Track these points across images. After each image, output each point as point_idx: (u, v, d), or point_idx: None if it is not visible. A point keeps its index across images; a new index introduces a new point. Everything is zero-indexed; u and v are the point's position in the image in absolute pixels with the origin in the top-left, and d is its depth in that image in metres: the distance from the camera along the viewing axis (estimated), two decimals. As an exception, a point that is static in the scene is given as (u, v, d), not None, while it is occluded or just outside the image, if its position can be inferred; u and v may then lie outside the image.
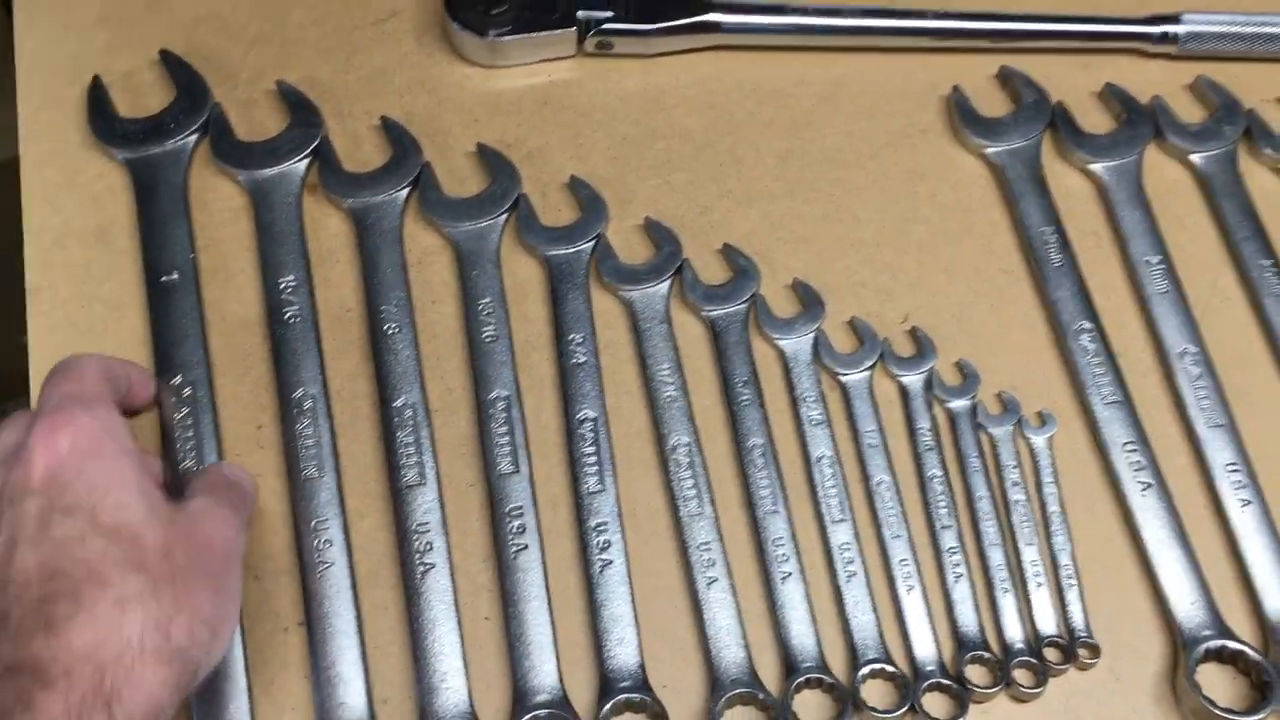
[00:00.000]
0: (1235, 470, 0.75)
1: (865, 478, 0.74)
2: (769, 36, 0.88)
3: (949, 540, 0.72)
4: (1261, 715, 0.67)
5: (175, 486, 0.69)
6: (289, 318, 0.76)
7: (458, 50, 0.88)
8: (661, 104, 0.87)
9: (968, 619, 0.70)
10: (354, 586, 0.69)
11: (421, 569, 0.69)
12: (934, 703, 0.68)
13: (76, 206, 0.81)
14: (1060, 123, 0.86)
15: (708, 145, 0.86)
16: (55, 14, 0.88)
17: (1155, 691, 0.70)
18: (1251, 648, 0.69)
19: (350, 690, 0.66)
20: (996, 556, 0.72)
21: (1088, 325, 0.79)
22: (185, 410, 0.73)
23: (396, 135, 0.83)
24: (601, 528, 0.71)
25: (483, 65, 0.87)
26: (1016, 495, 0.74)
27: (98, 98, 0.83)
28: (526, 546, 0.70)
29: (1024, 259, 0.82)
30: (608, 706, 0.66)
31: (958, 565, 0.72)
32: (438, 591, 0.69)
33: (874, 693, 0.68)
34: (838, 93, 0.88)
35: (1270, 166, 0.87)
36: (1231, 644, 0.69)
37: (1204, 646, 0.69)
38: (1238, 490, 0.74)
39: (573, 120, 0.86)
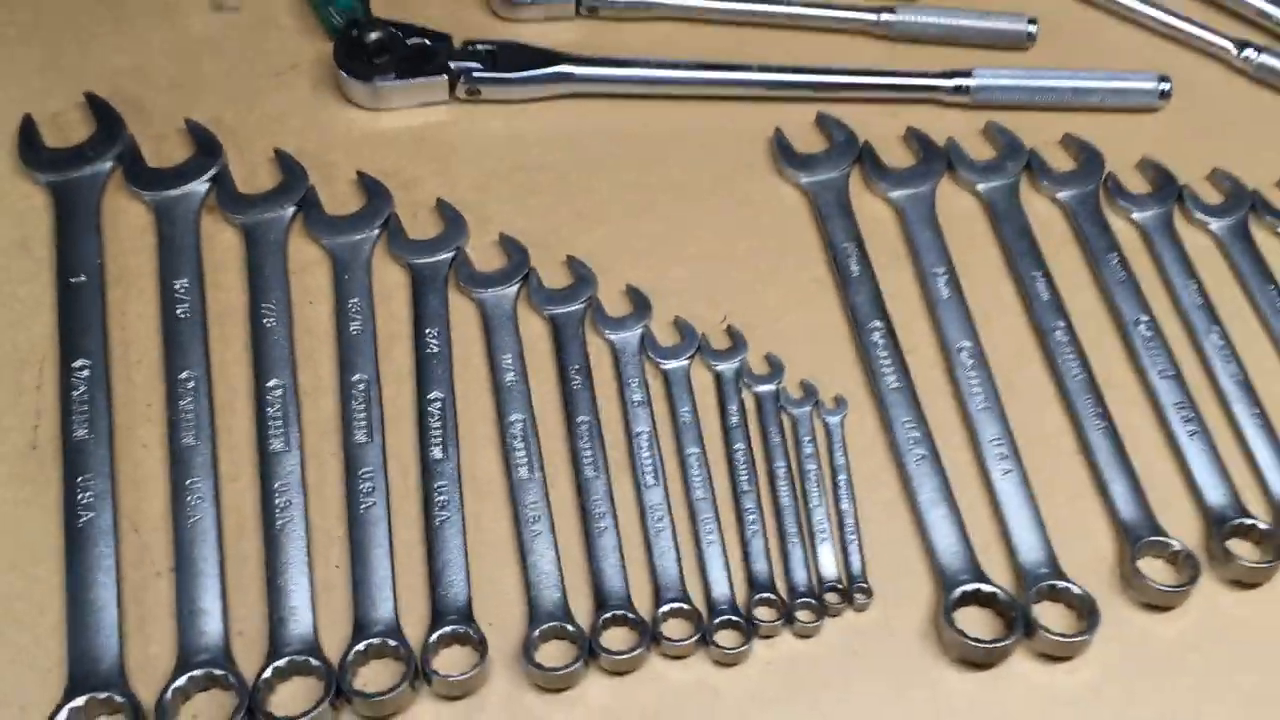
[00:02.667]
0: (999, 444, 0.83)
1: (679, 450, 0.82)
2: (617, 86, 0.98)
3: (749, 502, 0.80)
4: (1006, 643, 0.74)
5: None
6: (180, 313, 0.84)
7: (347, 96, 0.97)
8: (523, 143, 0.97)
9: (760, 567, 0.77)
10: (220, 537, 0.76)
11: (280, 522, 0.76)
12: (725, 637, 0.75)
13: (2, 221, 0.89)
14: (866, 159, 0.96)
15: (562, 177, 0.95)
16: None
17: (922, 630, 0.76)
18: (1002, 589, 0.76)
19: (210, 622, 0.73)
20: (789, 516, 0.79)
21: (879, 324, 0.88)
22: (84, 388, 0.80)
23: (286, 164, 0.92)
24: (442, 489, 0.79)
25: (367, 109, 0.97)
26: (810, 465, 0.82)
27: (27, 131, 0.92)
28: (375, 504, 0.77)
29: (830, 271, 0.91)
30: (434, 636, 0.73)
31: (754, 523, 0.79)
32: (294, 540, 0.76)
33: (674, 628, 0.75)
34: (678, 135, 0.98)
35: (1048, 196, 0.96)
36: (985, 587, 0.77)
37: (961, 589, 0.76)
38: (1001, 461, 0.82)
39: (444, 155, 0.96)
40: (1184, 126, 1.01)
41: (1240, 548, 0.79)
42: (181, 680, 0.70)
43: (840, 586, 0.77)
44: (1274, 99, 1.03)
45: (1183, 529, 0.80)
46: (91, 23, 1.01)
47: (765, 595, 0.76)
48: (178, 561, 0.75)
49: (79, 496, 0.76)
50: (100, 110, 0.93)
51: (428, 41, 0.96)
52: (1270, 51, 1.03)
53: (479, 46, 0.97)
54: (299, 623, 0.73)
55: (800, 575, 0.77)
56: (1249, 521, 0.80)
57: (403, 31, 0.96)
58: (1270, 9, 1.06)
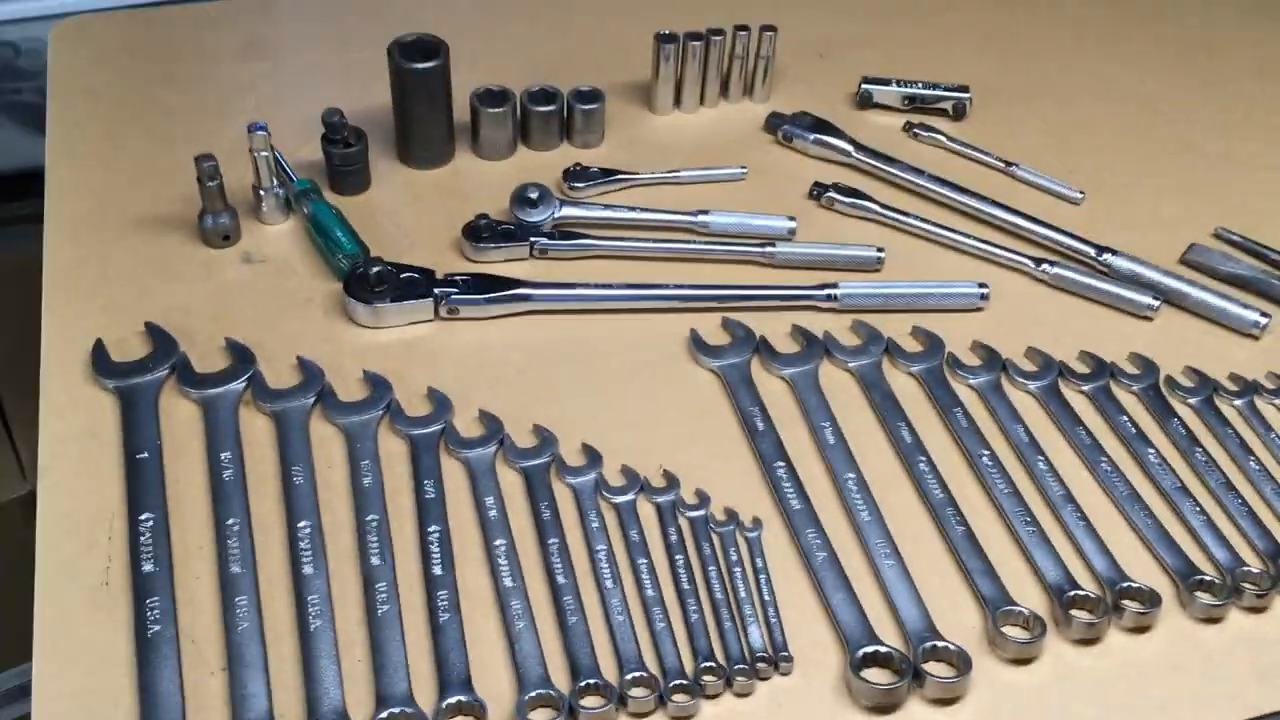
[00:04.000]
0: (883, 545, 1.01)
1: (631, 562, 0.98)
2: (565, 303, 1.21)
3: (690, 598, 0.96)
4: (901, 684, 0.89)
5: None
6: (226, 476, 1.01)
7: (352, 318, 1.18)
8: (492, 347, 1.18)
9: (703, 644, 0.92)
10: (262, 641, 0.89)
11: (313, 626, 0.90)
12: (679, 698, 0.89)
13: (78, 418, 1.06)
14: (763, 348, 1.19)
15: (524, 371, 1.16)
16: (73, 311, 1.18)
17: (834, 687, 0.91)
18: (894, 649, 0.92)
19: (257, 703, 0.85)
20: (723, 606, 0.95)
21: (782, 464, 1.07)
22: (148, 534, 0.96)
23: (306, 366, 1.11)
24: (442, 595, 0.94)
25: (369, 327, 1.18)
26: (736, 569, 0.98)
27: (98, 350, 1.10)
28: (389, 608, 0.92)
29: (741, 429, 1.11)
30: (444, 704, 0.86)
31: (695, 611, 0.94)
32: (324, 639, 0.90)
33: (636, 692, 0.89)
34: (614, 338, 1.20)
35: (904, 371, 1.19)
36: (882, 648, 0.93)
37: (863, 650, 0.92)
38: (885, 558, 1.00)
39: (429, 357, 1.16)
40: (1002, 321, 1.25)
41: (1078, 614, 0.97)
42: (237, 747, 0.83)
43: (767, 656, 0.93)
44: (1066, 299, 1.29)
45: (1031, 603, 0.98)
46: (145, 276, 1.22)
47: (708, 664, 0.91)
48: (228, 660, 0.88)
49: (147, 615, 0.90)
50: (156, 334, 1.13)
51: (416, 275, 1.19)
52: (1061, 265, 1.30)
53: (456, 277, 1.20)
54: (330, 700, 0.86)
55: (735, 649, 0.93)
56: (1082, 592, 0.98)
57: (397, 268, 1.19)
58: (1057, 236, 1.34)
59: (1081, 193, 1.43)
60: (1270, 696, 0.94)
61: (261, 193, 1.27)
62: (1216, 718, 0.92)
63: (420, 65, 1.31)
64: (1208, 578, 1.00)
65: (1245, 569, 1.01)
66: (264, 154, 1.24)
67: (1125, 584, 0.99)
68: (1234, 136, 1.57)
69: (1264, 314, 1.26)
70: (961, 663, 0.92)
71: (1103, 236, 1.35)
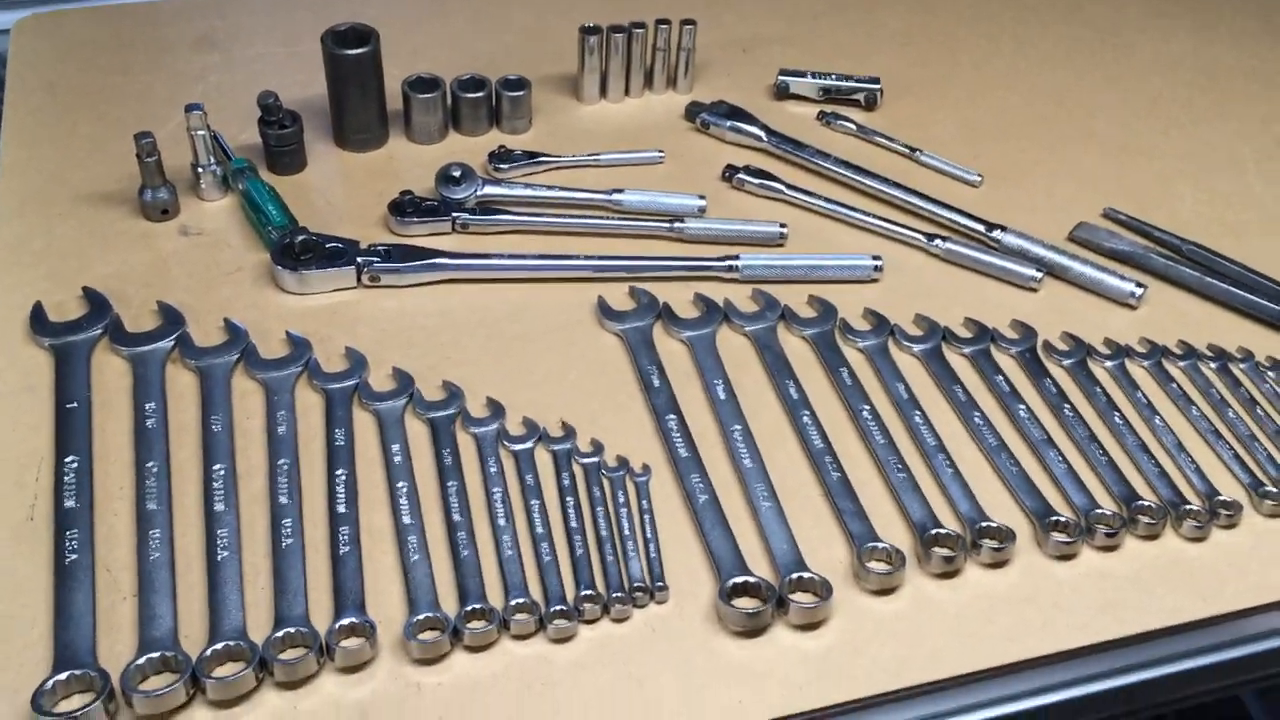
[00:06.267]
0: (762, 489, 1.06)
1: (525, 503, 1.03)
2: (480, 272, 1.27)
3: (577, 534, 1.01)
4: (765, 609, 0.95)
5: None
6: (149, 424, 1.06)
7: (279, 285, 1.24)
8: (411, 313, 1.23)
9: (585, 575, 0.98)
10: (172, 571, 0.95)
11: (220, 557, 0.96)
12: (558, 622, 0.94)
13: (16, 373, 1.12)
14: (665, 313, 1.24)
15: (438, 333, 1.21)
16: (17, 278, 1.23)
17: (706, 614, 0.97)
18: (761, 579, 0.98)
19: (163, 624, 0.90)
20: (607, 542, 1.00)
21: (673, 416, 1.12)
22: (72, 475, 1.01)
23: (232, 327, 1.17)
24: (345, 530, 0.99)
25: (295, 293, 1.23)
26: (623, 509, 1.04)
27: (37, 311, 1.16)
28: (292, 542, 0.97)
29: (639, 386, 1.17)
30: (336, 625, 0.92)
31: (580, 546, 1.00)
32: (230, 568, 0.95)
33: (519, 616, 0.94)
34: (525, 305, 1.25)
35: (798, 335, 1.25)
36: (750, 578, 0.98)
37: (733, 580, 0.98)
38: (763, 501, 1.05)
39: (350, 322, 1.21)
40: (894, 292, 1.31)
41: (938, 550, 1.02)
42: (140, 660, 0.88)
43: (645, 586, 0.98)
44: (957, 272, 1.35)
45: (897, 541, 1.03)
46: (87, 247, 1.28)
47: (589, 592, 0.96)
48: (140, 587, 0.93)
49: (66, 544, 0.95)
50: (92, 297, 1.19)
51: (341, 244, 1.25)
52: (951, 240, 1.36)
53: (379, 247, 1.26)
54: (232, 621, 0.91)
55: (615, 580, 0.98)
56: (944, 531, 1.03)
57: (322, 238, 1.25)
58: (951, 215, 1.40)
59: (980, 176, 1.49)
60: (1112, 625, 0.99)
61: (199, 170, 1.33)
62: (1059, 644, 0.97)
63: (351, 51, 1.37)
64: (1063, 518, 1.05)
65: (1099, 511, 1.07)
66: (200, 133, 1.30)
67: (984, 523, 1.04)
68: (1135, 126, 1.63)
69: (1140, 284, 1.32)
70: (824, 591, 0.97)
71: (998, 216, 1.40)
